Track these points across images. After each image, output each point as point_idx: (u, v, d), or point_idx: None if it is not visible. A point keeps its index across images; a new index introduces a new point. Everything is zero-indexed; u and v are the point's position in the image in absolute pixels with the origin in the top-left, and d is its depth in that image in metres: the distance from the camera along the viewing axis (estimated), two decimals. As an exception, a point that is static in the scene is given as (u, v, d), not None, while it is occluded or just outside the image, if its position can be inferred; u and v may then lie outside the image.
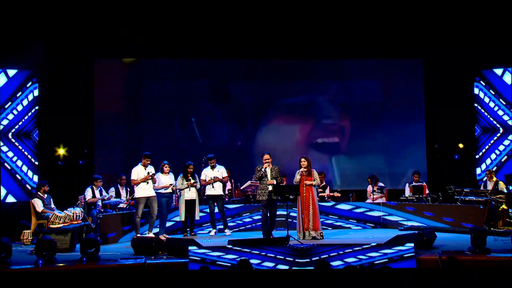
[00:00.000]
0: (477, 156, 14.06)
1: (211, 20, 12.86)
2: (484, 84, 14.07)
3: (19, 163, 12.80)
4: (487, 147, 14.02)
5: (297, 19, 13.00)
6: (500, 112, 13.94)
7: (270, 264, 7.76)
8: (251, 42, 13.46)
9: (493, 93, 13.96)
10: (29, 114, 12.91)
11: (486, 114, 14.04)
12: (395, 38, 13.43)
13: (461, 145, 13.76)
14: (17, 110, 12.84)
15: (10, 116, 12.81)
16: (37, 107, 12.97)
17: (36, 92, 12.99)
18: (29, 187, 12.71)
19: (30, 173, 12.87)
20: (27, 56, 12.31)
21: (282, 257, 7.79)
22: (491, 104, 13.99)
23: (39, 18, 12.16)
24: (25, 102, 12.90)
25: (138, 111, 13.80)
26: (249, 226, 11.63)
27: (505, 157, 13.87)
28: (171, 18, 12.75)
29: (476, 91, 14.14)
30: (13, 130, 12.77)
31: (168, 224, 10.88)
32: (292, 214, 10.76)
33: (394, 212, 11.75)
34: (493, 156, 13.99)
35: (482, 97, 14.09)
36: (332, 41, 13.48)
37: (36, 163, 12.91)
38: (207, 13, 12.72)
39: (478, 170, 14.04)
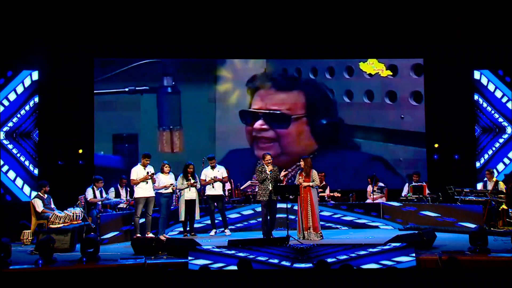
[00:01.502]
0: (477, 164, 13.11)
1: (211, 20, 12.87)
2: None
3: (12, 174, 11.55)
4: (490, 151, 12.99)
5: (297, 19, 13.02)
6: (510, 105, 12.54)
7: (270, 264, 7.73)
8: (250, 42, 13.47)
9: (499, 79, 12.68)
10: (27, 108, 11.86)
11: (489, 109, 12.93)
12: (395, 38, 13.41)
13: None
14: (8, 100, 11.42)
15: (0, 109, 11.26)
16: (36, 99, 12.12)
17: (35, 76, 12.07)
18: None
19: (26, 189, 12.01)
20: (29, 56, 12.29)
21: (279, 260, 7.74)
22: (498, 94, 12.66)
23: (40, 18, 12.15)
24: (19, 89, 11.49)
25: (137, 111, 13.80)
26: (240, 225, 11.39)
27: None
28: (171, 18, 12.77)
29: (477, 75, 12.81)
30: (5, 129, 11.50)
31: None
32: (293, 209, 10.65)
33: None
34: (500, 166, 12.61)
35: (486, 84, 12.76)
36: (331, 41, 13.46)
37: (36, 171, 12.15)
38: (207, 13, 12.73)
39: (479, 186, 12.35)
